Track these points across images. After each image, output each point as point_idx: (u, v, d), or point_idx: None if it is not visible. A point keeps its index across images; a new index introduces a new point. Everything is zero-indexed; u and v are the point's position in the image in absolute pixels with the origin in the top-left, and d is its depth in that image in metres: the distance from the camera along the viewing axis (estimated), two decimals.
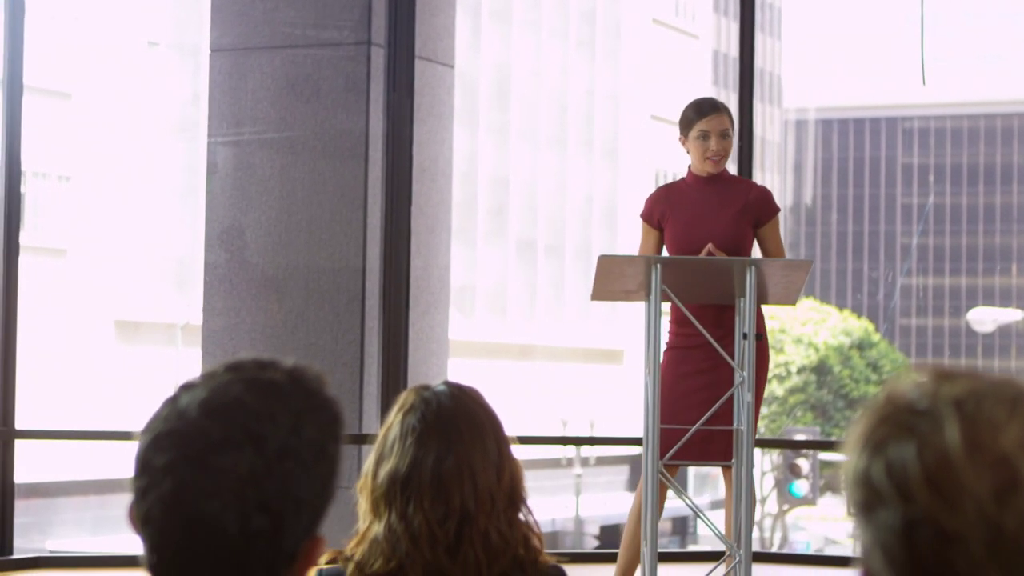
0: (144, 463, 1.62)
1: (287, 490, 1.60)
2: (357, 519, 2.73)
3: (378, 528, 2.64)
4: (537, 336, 41.78)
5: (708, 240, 5.88)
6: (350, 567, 2.65)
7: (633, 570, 5.98)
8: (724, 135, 5.99)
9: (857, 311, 49.41)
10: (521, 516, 2.68)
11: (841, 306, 48.82)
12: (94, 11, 32.18)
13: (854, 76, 72.34)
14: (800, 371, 41.22)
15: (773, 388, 40.07)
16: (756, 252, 6.06)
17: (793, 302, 5.69)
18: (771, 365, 6.11)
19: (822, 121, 70.39)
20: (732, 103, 7.00)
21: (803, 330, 41.64)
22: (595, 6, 45.25)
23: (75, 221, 31.98)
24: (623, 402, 36.60)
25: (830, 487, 42.86)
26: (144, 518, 1.61)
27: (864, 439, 1.25)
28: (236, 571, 1.60)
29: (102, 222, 32.02)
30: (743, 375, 5.50)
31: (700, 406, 5.73)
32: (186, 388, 1.65)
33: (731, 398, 5.62)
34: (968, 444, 1.22)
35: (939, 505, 1.21)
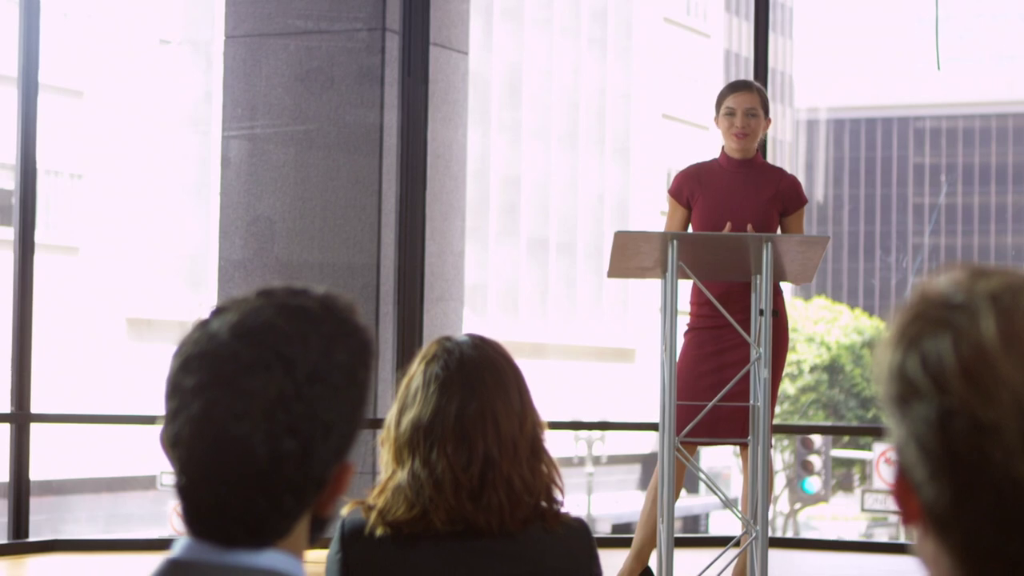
0: (174, 385, 1.62)
1: (316, 414, 1.59)
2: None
3: (401, 475, 2.64)
4: (549, 335, 41.73)
5: (737, 221, 5.88)
6: (372, 515, 2.65)
7: (649, 551, 5.97)
8: (751, 113, 5.99)
9: (869, 310, 49.34)
10: (544, 469, 2.68)
11: (853, 305, 48.77)
12: (107, 9, 32.20)
13: (866, 76, 72.24)
14: (812, 370, 41.18)
15: (785, 387, 39.98)
16: None
17: (810, 279, 5.69)
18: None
19: (834, 121, 70.30)
20: None
21: (815, 329, 41.61)
22: (607, 5, 45.22)
23: (87, 219, 31.98)
24: (635, 400, 36.58)
25: (842, 486, 42.79)
26: (173, 440, 1.61)
27: (899, 334, 1.26)
28: (264, 495, 1.59)
29: (114, 220, 32.02)
30: (759, 351, 5.50)
31: (717, 386, 5.73)
32: (217, 312, 1.65)
33: (747, 376, 5.61)
34: (1004, 336, 1.22)
35: (975, 396, 1.21)
